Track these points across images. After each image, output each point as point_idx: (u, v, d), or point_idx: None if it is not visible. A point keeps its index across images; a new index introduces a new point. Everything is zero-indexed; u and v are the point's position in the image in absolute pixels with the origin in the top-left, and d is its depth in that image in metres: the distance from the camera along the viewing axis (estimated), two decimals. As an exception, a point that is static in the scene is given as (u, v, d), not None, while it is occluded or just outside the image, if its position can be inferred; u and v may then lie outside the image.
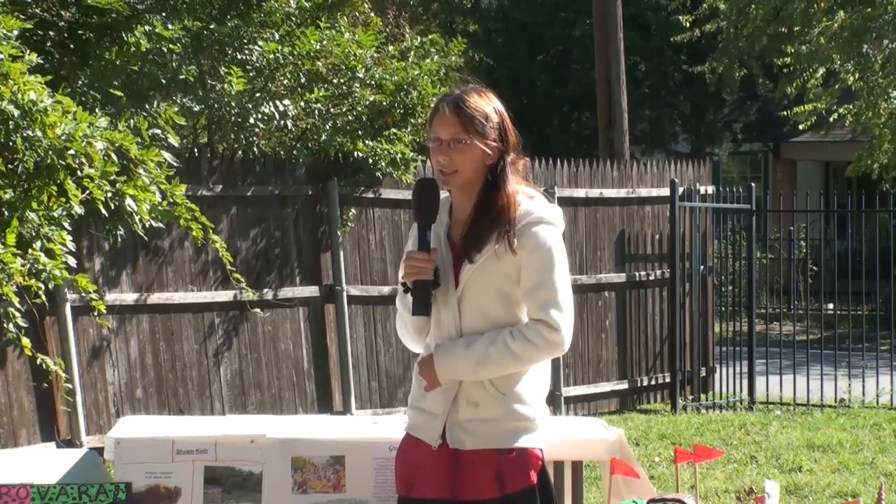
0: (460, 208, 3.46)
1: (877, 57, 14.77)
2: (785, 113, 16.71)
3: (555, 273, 3.35)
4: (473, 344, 3.34)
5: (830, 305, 14.37)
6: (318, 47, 8.88)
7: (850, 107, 15.89)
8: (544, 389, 3.50)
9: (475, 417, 3.38)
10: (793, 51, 15.84)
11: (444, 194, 3.51)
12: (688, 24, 18.25)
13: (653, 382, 11.13)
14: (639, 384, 11.05)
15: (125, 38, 8.09)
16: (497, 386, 3.37)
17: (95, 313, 6.60)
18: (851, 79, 15.36)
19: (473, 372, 3.35)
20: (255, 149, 8.96)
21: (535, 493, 3.40)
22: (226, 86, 8.35)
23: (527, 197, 3.44)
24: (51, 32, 8.37)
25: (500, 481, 3.36)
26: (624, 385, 10.92)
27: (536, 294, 3.33)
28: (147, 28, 7.99)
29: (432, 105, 3.54)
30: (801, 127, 16.49)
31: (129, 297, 8.15)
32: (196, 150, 8.72)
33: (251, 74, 8.68)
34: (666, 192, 10.95)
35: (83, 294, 6.34)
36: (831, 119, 16.50)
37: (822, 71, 15.80)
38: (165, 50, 7.98)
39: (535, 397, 3.44)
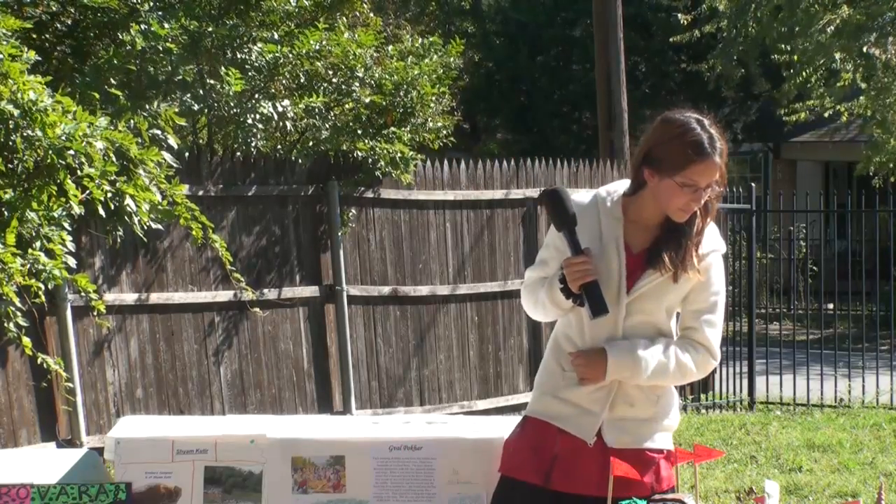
0: (642, 211, 3.43)
1: (881, 56, 14.75)
2: (783, 111, 16.69)
3: (722, 304, 3.48)
4: (651, 352, 3.38)
5: (830, 305, 14.37)
6: (317, 47, 8.88)
7: (850, 105, 15.88)
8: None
9: (630, 416, 3.43)
10: (793, 48, 15.82)
11: (588, 195, 3.48)
12: (685, 24, 18.24)
13: (653, 382, 11.12)
14: (639, 384, 11.03)
15: (122, 38, 8.10)
16: (653, 388, 3.45)
17: (95, 313, 6.61)
18: (849, 76, 15.35)
19: (646, 378, 3.39)
20: (254, 148, 8.96)
21: (673, 493, 3.51)
22: (224, 86, 8.35)
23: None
24: (46, 36, 8.37)
25: (654, 480, 3.43)
26: (624, 385, 10.90)
27: (707, 320, 3.43)
28: (143, 27, 7.99)
29: (673, 140, 3.32)
30: (797, 117, 16.44)
31: (130, 297, 8.14)
32: (196, 150, 8.72)
33: (250, 74, 8.68)
34: (666, 192, 10.93)
35: (83, 294, 6.34)
36: (825, 115, 16.49)
37: (822, 69, 15.79)
38: (162, 49, 7.98)
39: (676, 401, 3.56)
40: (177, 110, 7.57)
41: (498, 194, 10.02)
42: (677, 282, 3.38)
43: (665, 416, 3.49)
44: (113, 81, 7.79)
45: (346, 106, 9.18)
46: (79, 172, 5.37)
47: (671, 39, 18.90)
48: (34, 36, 7.76)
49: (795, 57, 15.96)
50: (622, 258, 3.41)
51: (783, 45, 16.03)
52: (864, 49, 14.54)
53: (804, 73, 15.72)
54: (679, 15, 18.88)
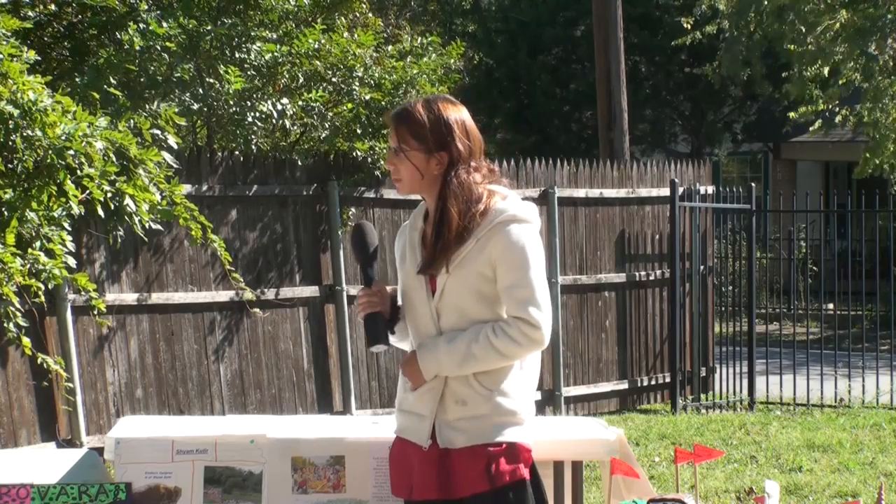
0: (431, 214, 3.50)
1: (882, 57, 14.73)
2: (791, 115, 16.67)
3: (530, 271, 3.39)
4: (456, 340, 3.37)
5: (830, 305, 14.37)
6: (316, 47, 8.88)
7: (851, 109, 15.87)
8: (531, 386, 3.51)
9: (463, 416, 3.40)
10: (794, 49, 15.81)
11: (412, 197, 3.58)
12: (688, 26, 18.23)
13: (653, 382, 11.13)
14: (639, 384, 11.04)
15: (120, 37, 8.10)
16: (483, 383, 3.40)
17: (95, 312, 6.61)
18: (851, 75, 15.33)
19: (458, 368, 3.38)
20: (254, 146, 8.96)
21: (525, 487, 3.41)
22: (224, 84, 8.35)
23: (500, 197, 3.53)
24: (45, 38, 8.37)
25: (489, 474, 3.37)
26: (624, 385, 10.92)
27: (514, 293, 3.37)
28: (141, 26, 7.99)
29: None
30: (806, 109, 16.40)
31: (130, 297, 8.15)
32: (196, 150, 8.72)
33: (250, 73, 8.68)
34: (666, 192, 10.95)
35: (83, 293, 6.35)
36: (823, 119, 16.48)
37: (822, 70, 15.77)
38: (160, 48, 7.98)
39: (521, 393, 3.46)
40: (177, 110, 7.57)
41: (498, 194, 10.01)
42: (473, 261, 3.38)
43: (505, 410, 3.40)
44: (112, 81, 7.79)
45: (346, 106, 9.19)
46: (79, 172, 5.36)
47: (673, 43, 18.88)
48: (33, 37, 7.76)
49: (793, 56, 15.95)
50: (419, 262, 3.48)
51: (788, 46, 16.01)
52: (870, 50, 14.49)
53: (805, 77, 15.69)
54: (682, 19, 18.87)
